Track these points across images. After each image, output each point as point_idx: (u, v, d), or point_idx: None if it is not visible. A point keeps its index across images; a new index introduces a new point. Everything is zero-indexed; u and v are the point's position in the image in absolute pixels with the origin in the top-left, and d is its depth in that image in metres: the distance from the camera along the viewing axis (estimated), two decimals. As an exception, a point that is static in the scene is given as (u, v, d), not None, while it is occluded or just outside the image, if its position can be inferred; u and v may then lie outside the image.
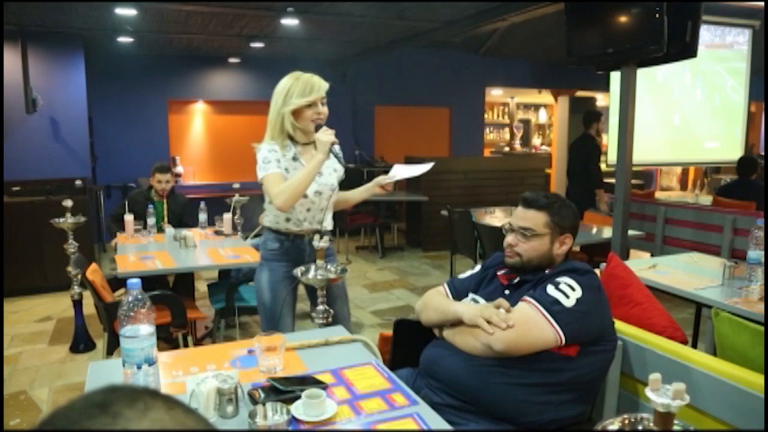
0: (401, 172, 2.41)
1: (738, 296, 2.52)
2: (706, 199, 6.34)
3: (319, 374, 1.63)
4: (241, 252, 3.60)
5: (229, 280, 3.79)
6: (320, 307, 2.13)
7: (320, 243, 2.19)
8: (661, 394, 1.06)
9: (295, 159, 2.37)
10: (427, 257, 7.01)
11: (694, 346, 3.35)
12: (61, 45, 6.00)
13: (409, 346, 1.97)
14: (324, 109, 2.36)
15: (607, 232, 4.30)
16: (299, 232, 2.42)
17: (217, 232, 4.18)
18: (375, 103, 8.55)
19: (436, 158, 7.80)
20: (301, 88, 2.31)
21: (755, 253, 2.66)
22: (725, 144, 8.35)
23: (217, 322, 3.58)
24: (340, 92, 7.73)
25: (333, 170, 2.47)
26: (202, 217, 4.29)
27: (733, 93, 8.28)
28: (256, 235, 4.74)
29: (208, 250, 3.68)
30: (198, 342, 3.78)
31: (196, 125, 8.14)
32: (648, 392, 1.07)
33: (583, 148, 5.79)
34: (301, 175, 2.23)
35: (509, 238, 1.83)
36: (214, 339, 3.69)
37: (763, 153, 8.46)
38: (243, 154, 8.21)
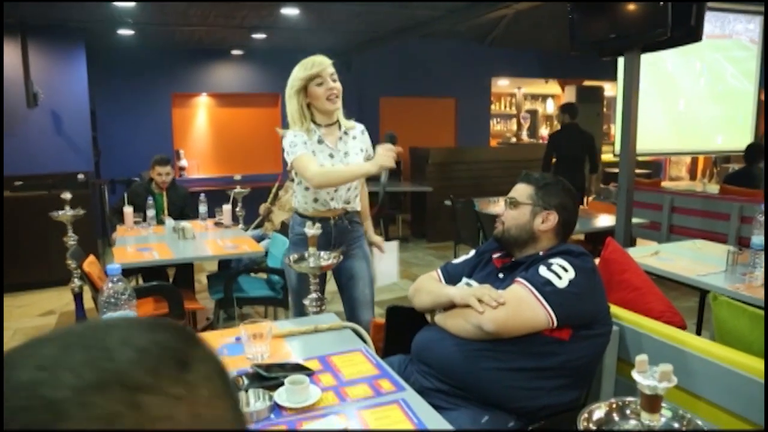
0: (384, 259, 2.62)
1: (741, 282, 2.48)
2: (713, 188, 6.27)
3: (306, 361, 1.61)
4: (240, 243, 3.59)
5: (228, 271, 3.78)
6: (313, 295, 2.12)
7: (312, 230, 2.18)
8: (647, 376, 1.03)
9: (320, 142, 2.41)
10: (431, 248, 6.98)
11: (698, 334, 3.30)
12: (62, 38, 6.00)
13: (402, 334, 1.95)
14: (335, 84, 2.37)
15: (613, 220, 4.25)
16: (325, 214, 2.44)
17: (218, 224, 4.18)
18: (380, 95, 8.50)
19: (441, 149, 7.81)
20: (303, 66, 2.36)
21: (758, 239, 2.61)
22: (734, 133, 8.25)
23: (216, 313, 3.57)
24: (345, 83, 7.58)
25: (360, 150, 2.50)
26: (202, 208, 4.30)
27: (735, 81, 8.17)
28: (257, 226, 4.77)
29: (207, 241, 3.68)
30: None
31: (200, 118, 8.13)
32: (634, 374, 1.04)
33: (579, 136, 6.11)
34: (345, 170, 2.29)
35: (498, 209, 1.86)
36: (215, 329, 3.68)
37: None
38: (245, 147, 8.23)
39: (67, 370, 0.37)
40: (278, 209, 4.58)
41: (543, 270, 1.63)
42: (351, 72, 7.90)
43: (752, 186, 5.10)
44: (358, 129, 2.56)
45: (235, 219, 4.29)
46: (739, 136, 8.09)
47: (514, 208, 1.80)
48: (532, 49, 9.43)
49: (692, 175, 10.67)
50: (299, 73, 2.35)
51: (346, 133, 2.49)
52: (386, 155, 2.18)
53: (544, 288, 1.58)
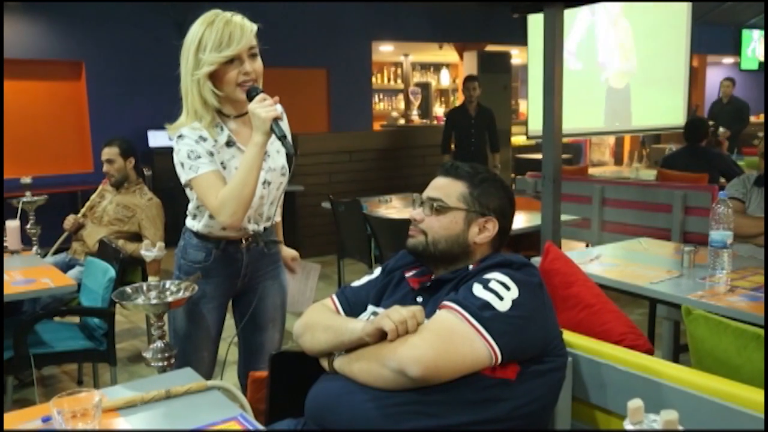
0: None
1: (701, 289, 2.61)
2: (648, 174, 6.72)
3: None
4: (36, 275, 3.33)
5: (19, 318, 3.50)
6: (157, 344, 2.00)
7: (154, 251, 2.04)
8: (645, 428, 1.01)
9: (230, 144, 2.25)
10: (307, 266, 6.89)
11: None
12: None
13: (293, 388, 1.87)
14: (253, 66, 2.21)
15: (535, 219, 4.39)
16: (236, 237, 2.36)
17: (-2, 249, 3.84)
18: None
19: (311, 135, 7.75)
20: (215, 39, 2.12)
21: (719, 234, 2.78)
22: (667, 107, 8.96)
23: (3, 381, 3.25)
24: (177, 49, 7.38)
25: (277, 151, 2.37)
26: (-28, 228, 3.93)
27: (668, 47, 8.86)
28: (60, 249, 4.42)
29: (-17, 275, 3.36)
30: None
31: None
32: (628, 426, 1.02)
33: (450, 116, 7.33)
34: (242, 172, 2.12)
35: (414, 212, 1.82)
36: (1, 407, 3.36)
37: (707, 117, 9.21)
38: (37, 137, 7.71)
39: None
40: (93, 223, 4.28)
41: (478, 289, 1.61)
42: (184, 34, 7.63)
43: (695, 169, 5.51)
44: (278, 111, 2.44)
45: (26, 240, 4.01)
46: (672, 111, 8.77)
47: (441, 214, 1.77)
48: (421, 4, 9.62)
49: (617, 159, 11.46)
50: (211, 47, 2.12)
51: None
52: (261, 106, 2.09)
53: (482, 313, 1.56)
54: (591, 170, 8.07)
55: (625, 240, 3.72)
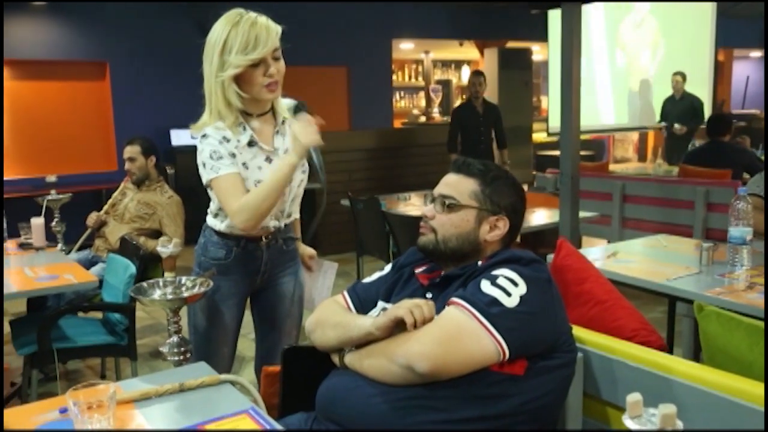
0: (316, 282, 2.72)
1: (720, 285, 2.59)
2: (671, 170, 6.65)
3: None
4: (60, 270, 3.40)
5: (43, 313, 3.54)
6: (173, 339, 2.02)
7: (169, 248, 2.07)
8: (644, 422, 1.03)
9: (251, 144, 2.28)
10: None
11: (670, 352, 3.45)
12: None
13: (306, 383, 1.89)
14: (277, 67, 2.22)
15: (555, 216, 4.38)
16: (257, 235, 2.38)
17: (24, 246, 3.94)
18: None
19: (331, 133, 7.76)
20: (242, 42, 2.13)
21: (738, 231, 2.75)
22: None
23: (27, 374, 3.31)
24: (201, 48, 7.44)
25: None
26: (-2, 225, 4.01)
27: (692, 41, 8.75)
28: (83, 246, 4.48)
29: (8, 271, 3.43)
30: None
31: (-9, 96, 7.61)
32: (626, 421, 1.03)
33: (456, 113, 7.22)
34: (267, 187, 2.17)
35: (425, 209, 1.82)
36: (24, 399, 3.41)
37: (732, 110, 9.05)
38: (62, 136, 7.83)
39: None
40: (115, 221, 4.34)
41: (486, 285, 1.62)
42: (207, 33, 7.70)
43: (718, 165, 5.45)
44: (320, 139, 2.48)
45: (50, 237, 4.06)
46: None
47: (452, 211, 1.77)
48: (441, 2, 9.61)
49: (641, 156, 11.36)
50: (237, 50, 2.13)
51: (283, 122, 2.38)
52: (307, 130, 2.12)
53: (490, 309, 1.57)
54: (613, 167, 8.01)
55: (645, 236, 3.70)
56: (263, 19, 2.20)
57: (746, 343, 1.76)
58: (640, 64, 8.85)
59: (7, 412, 1.74)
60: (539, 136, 10.21)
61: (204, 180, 2.26)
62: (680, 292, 2.62)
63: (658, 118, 8.64)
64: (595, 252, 3.41)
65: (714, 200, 4.91)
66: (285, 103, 2.42)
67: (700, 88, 8.77)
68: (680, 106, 8.37)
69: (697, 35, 8.95)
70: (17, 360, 3.83)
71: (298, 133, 2.15)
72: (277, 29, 2.21)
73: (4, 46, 5.62)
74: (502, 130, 7.18)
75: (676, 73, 8.36)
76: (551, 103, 8.03)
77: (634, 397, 1.03)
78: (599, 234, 5.89)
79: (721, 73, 11.37)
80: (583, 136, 8.34)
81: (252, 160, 2.28)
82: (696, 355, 3.54)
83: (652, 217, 5.36)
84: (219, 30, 2.18)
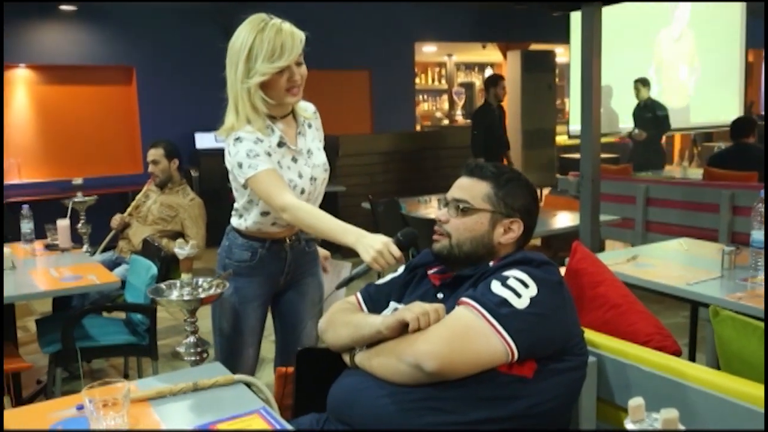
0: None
1: (742, 290, 2.56)
2: (696, 173, 6.57)
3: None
4: (84, 271, 3.44)
5: (67, 313, 3.59)
6: (190, 339, 2.04)
7: (186, 249, 2.09)
8: (645, 426, 1.03)
9: (280, 145, 2.31)
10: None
11: (692, 359, 3.42)
12: None
13: (319, 384, 1.88)
14: (300, 73, 2.24)
15: (575, 219, 4.35)
16: (280, 235, 2.40)
17: (50, 247, 3.98)
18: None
19: (353, 136, 7.78)
20: (268, 50, 2.14)
21: (761, 234, 2.71)
22: (719, 104, 8.70)
23: (52, 372, 3.36)
24: (223, 53, 7.49)
25: (320, 141, 2.48)
26: (26, 226, 4.08)
27: (719, 41, 8.61)
28: (107, 248, 4.54)
29: (34, 271, 3.50)
30: (23, 403, 3.53)
31: (18, 100, 7.71)
32: (628, 424, 1.04)
33: (483, 117, 7.26)
34: (318, 225, 2.10)
35: (439, 213, 1.82)
36: (49, 397, 3.46)
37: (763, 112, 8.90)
38: (88, 139, 7.93)
39: None
40: (138, 222, 4.39)
41: (496, 286, 1.62)
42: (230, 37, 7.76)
43: (744, 168, 5.37)
44: (310, 110, 2.49)
45: (76, 239, 4.10)
46: (725, 108, 8.49)
47: (466, 215, 1.77)
48: (464, 5, 9.59)
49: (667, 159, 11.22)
50: (264, 58, 2.14)
51: (303, 123, 2.42)
52: (380, 259, 1.93)
53: (499, 310, 1.57)
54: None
55: (668, 240, 3.66)
56: (287, 26, 2.20)
57: (761, 348, 1.74)
58: (679, 78, 8.71)
59: (26, 408, 1.78)
60: (562, 139, 10.15)
61: (241, 180, 2.22)
62: (700, 297, 2.60)
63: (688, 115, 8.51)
64: (614, 255, 3.39)
65: (739, 203, 4.85)
66: (302, 106, 2.44)
67: (730, 89, 8.64)
68: (645, 113, 8.02)
69: (727, 35, 8.82)
70: (43, 358, 3.86)
71: (365, 254, 1.95)
72: (301, 36, 2.22)
73: (3, 47, 5.59)
74: (506, 132, 7.58)
75: (637, 80, 8.03)
76: (572, 105, 7.97)
77: (636, 402, 1.03)
78: (622, 238, 5.84)
79: (751, 73, 11.18)
80: (606, 139, 8.28)
81: (282, 160, 2.31)
82: (718, 361, 3.50)
83: (677, 220, 5.30)
84: (244, 36, 2.18)
